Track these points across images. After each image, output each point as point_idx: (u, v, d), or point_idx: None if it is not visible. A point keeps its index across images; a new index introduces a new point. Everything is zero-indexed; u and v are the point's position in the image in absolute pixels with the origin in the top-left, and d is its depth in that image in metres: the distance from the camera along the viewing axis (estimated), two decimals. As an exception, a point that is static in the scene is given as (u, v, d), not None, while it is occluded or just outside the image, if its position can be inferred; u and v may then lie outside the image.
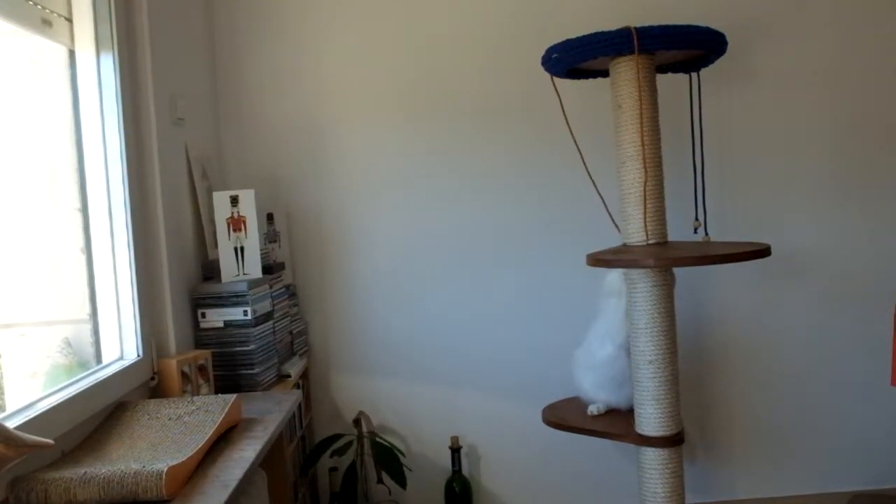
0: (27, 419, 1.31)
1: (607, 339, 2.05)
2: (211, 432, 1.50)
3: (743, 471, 2.49)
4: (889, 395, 2.41)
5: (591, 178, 2.14)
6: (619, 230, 2.00)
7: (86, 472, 1.27)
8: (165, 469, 1.26)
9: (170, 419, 1.59)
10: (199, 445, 1.43)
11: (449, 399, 2.53)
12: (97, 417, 1.59)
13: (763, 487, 2.48)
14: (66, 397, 1.45)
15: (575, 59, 1.89)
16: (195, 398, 1.69)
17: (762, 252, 1.66)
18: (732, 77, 2.29)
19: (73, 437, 1.49)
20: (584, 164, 2.14)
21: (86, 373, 1.67)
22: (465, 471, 2.51)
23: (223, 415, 1.59)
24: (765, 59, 2.34)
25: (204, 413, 1.61)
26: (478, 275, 2.51)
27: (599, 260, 1.77)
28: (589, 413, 2.12)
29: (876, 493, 2.40)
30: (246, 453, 1.49)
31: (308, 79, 2.50)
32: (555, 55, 1.90)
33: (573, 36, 2.30)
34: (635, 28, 1.78)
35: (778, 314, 2.44)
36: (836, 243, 2.40)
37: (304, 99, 2.51)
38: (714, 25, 2.07)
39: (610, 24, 2.35)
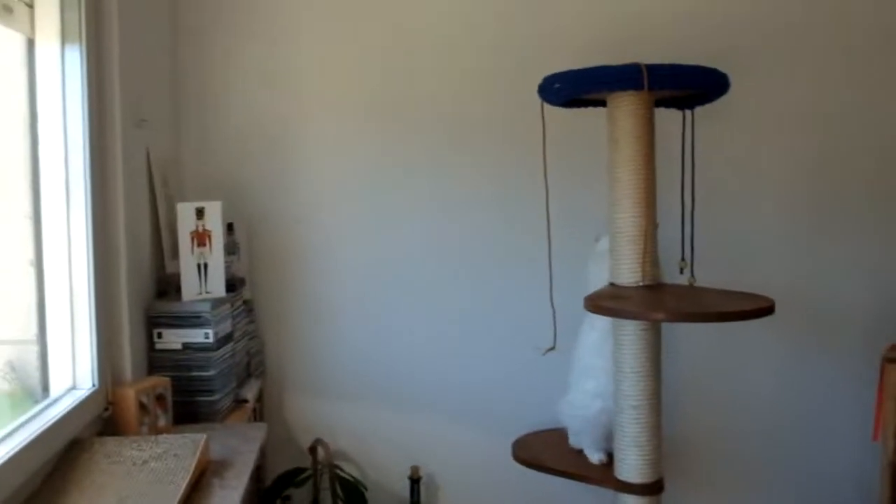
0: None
1: (597, 397, 1.99)
2: (184, 484, 1.36)
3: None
4: (868, 451, 2.33)
5: (547, 214, 2.07)
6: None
7: (50, 539, 1.12)
8: (145, 538, 1.12)
9: (134, 464, 1.44)
10: (174, 502, 1.29)
11: (410, 426, 2.42)
12: (50, 460, 1.42)
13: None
14: (19, 447, 1.27)
15: (578, 91, 1.82)
16: (160, 438, 1.54)
17: (766, 310, 1.63)
18: (710, 114, 2.26)
19: (25, 488, 1.32)
20: (546, 196, 2.07)
21: (36, 409, 1.49)
22: (424, 502, 2.41)
23: (194, 461, 1.45)
24: (743, 98, 2.32)
25: (173, 458, 1.46)
26: (446, 296, 2.41)
27: (600, 307, 1.70)
28: (598, 462, 2.05)
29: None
30: (224, 508, 1.35)
31: (275, 82, 2.34)
32: (557, 86, 1.82)
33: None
34: (645, 65, 1.71)
35: (751, 358, 2.42)
36: (816, 286, 2.39)
37: (269, 103, 2.35)
38: (691, 60, 2.03)
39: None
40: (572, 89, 1.82)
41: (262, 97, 2.35)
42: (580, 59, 1.89)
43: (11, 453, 1.25)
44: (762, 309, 1.62)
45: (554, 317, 2.10)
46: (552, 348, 2.10)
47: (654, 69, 1.73)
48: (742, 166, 2.40)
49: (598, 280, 1.96)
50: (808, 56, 2.37)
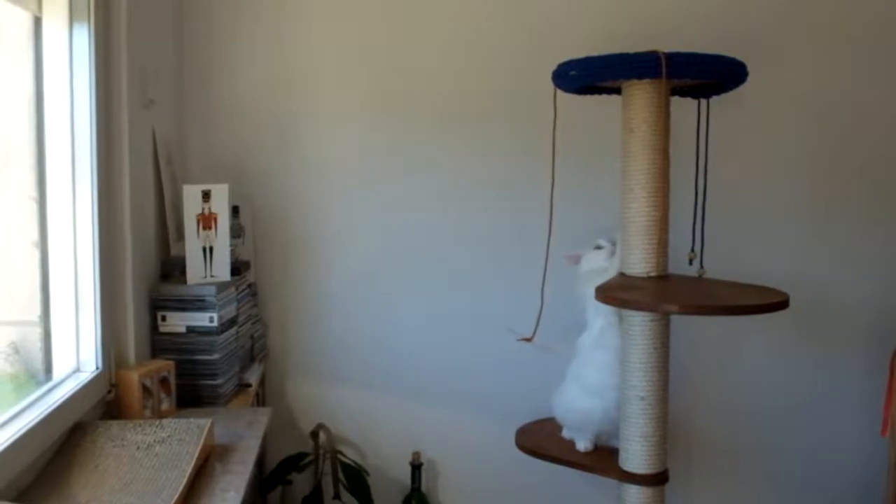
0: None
1: (595, 395, 1.97)
2: (189, 469, 1.35)
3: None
4: (874, 446, 2.32)
5: (551, 204, 2.06)
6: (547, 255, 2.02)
7: (55, 525, 1.10)
8: (151, 525, 1.11)
9: (139, 448, 1.42)
10: (180, 488, 1.28)
11: (412, 412, 2.41)
12: (53, 443, 1.40)
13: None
14: (23, 430, 1.26)
15: (594, 78, 1.79)
16: (164, 422, 1.52)
17: (781, 304, 1.61)
18: (724, 104, 2.22)
19: (28, 472, 1.30)
20: (552, 184, 2.05)
21: (40, 392, 1.47)
22: (425, 488, 2.41)
23: (199, 446, 1.43)
24: (757, 88, 2.27)
25: (177, 442, 1.44)
26: (451, 282, 2.38)
27: (612, 298, 1.68)
28: (583, 449, 2.04)
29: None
30: (228, 494, 1.34)
31: (281, 64, 2.31)
32: (573, 72, 1.78)
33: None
34: (664, 53, 1.68)
35: (757, 350, 2.39)
36: (825, 280, 2.36)
37: (275, 86, 2.32)
38: (703, 48, 2.00)
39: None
40: (589, 76, 1.79)
41: (269, 79, 2.31)
42: (588, 47, 1.86)
43: (15, 437, 1.23)
44: (777, 303, 1.60)
45: (541, 310, 2.10)
46: (529, 339, 2.14)
47: (673, 57, 1.69)
48: (754, 157, 2.37)
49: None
50: (825, 46, 2.33)
